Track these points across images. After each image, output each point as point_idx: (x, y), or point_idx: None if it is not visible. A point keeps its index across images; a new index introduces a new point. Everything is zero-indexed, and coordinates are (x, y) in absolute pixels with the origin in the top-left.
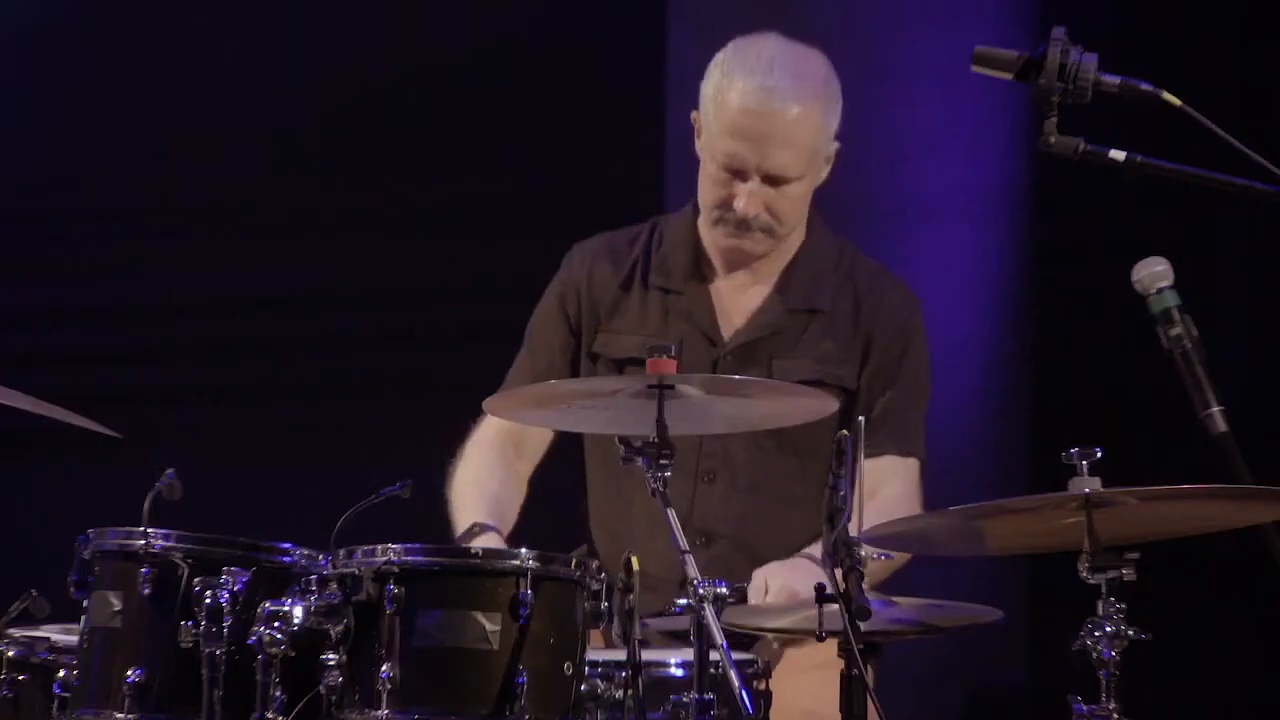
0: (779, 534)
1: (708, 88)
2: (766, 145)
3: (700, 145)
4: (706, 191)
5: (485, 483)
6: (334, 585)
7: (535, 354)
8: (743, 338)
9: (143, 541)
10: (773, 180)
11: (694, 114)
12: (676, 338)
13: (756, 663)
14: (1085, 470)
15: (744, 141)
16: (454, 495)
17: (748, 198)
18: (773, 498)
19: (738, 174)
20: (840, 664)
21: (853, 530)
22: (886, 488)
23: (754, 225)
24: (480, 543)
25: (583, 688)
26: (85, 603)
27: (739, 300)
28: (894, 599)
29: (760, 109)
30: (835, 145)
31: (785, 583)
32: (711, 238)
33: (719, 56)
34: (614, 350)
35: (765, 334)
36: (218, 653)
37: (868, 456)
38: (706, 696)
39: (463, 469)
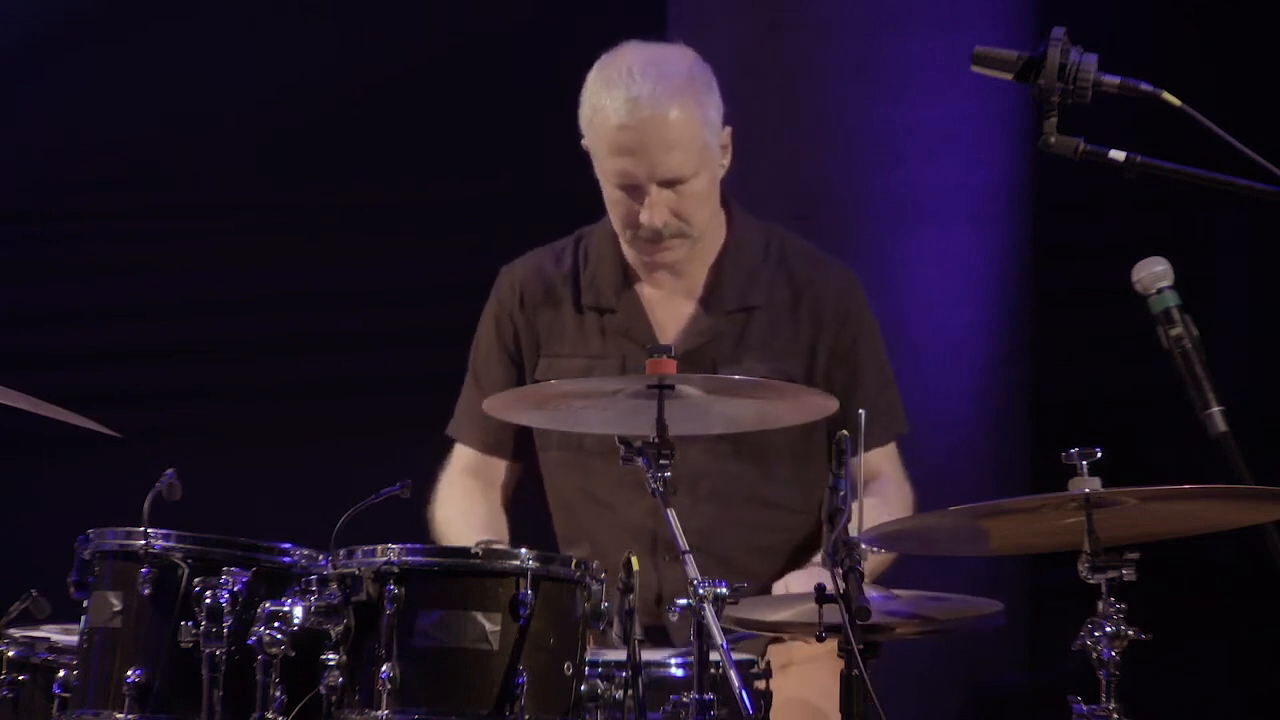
0: (751, 537)
1: (584, 112)
2: (651, 154)
3: (597, 171)
4: (613, 214)
5: (472, 511)
6: (334, 585)
7: (483, 386)
8: (682, 347)
9: (143, 541)
10: (669, 184)
11: (583, 143)
12: (618, 354)
13: (756, 663)
14: (1085, 470)
15: (629, 156)
16: (442, 533)
17: (651, 210)
18: (739, 502)
19: (634, 189)
20: (826, 656)
21: (852, 530)
22: (875, 479)
23: (665, 234)
24: None
25: (583, 688)
26: (85, 603)
27: (672, 309)
28: (895, 592)
29: (631, 121)
30: (726, 130)
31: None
32: (631, 254)
33: (588, 79)
34: (557, 374)
35: (705, 340)
36: (218, 653)
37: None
38: (706, 696)
39: (442, 508)
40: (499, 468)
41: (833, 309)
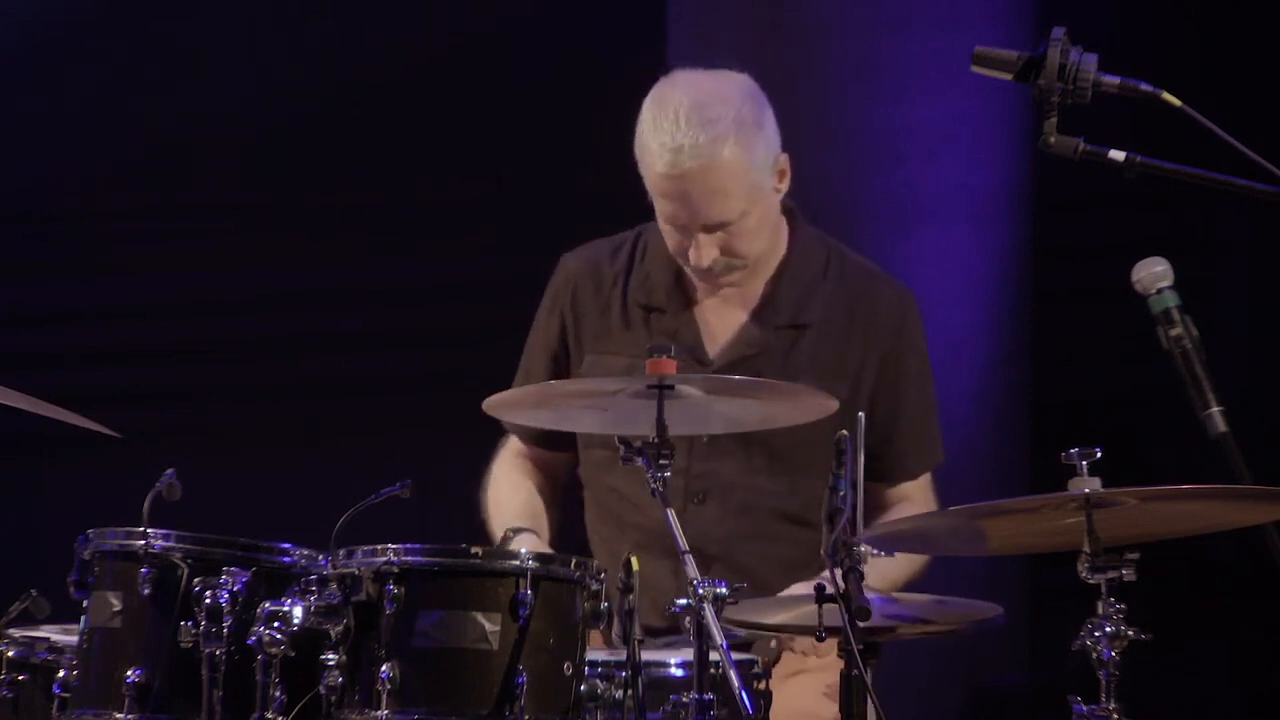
0: (775, 550)
1: (636, 144)
2: (695, 203)
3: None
4: (667, 240)
5: (514, 497)
6: (334, 585)
7: (529, 378)
8: (728, 356)
9: (143, 541)
10: (716, 227)
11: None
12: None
13: (756, 663)
14: (1085, 470)
15: (673, 202)
16: (489, 516)
17: (698, 251)
18: (766, 515)
19: (682, 229)
20: (834, 667)
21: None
22: (903, 502)
23: (715, 269)
24: (519, 544)
25: (583, 688)
26: (85, 603)
27: (723, 317)
28: (895, 595)
29: (674, 172)
30: (782, 157)
31: None
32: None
33: (644, 104)
34: (601, 372)
35: (752, 352)
36: (218, 653)
37: (893, 484)
38: (706, 696)
39: (491, 491)
40: (546, 454)
41: (884, 333)
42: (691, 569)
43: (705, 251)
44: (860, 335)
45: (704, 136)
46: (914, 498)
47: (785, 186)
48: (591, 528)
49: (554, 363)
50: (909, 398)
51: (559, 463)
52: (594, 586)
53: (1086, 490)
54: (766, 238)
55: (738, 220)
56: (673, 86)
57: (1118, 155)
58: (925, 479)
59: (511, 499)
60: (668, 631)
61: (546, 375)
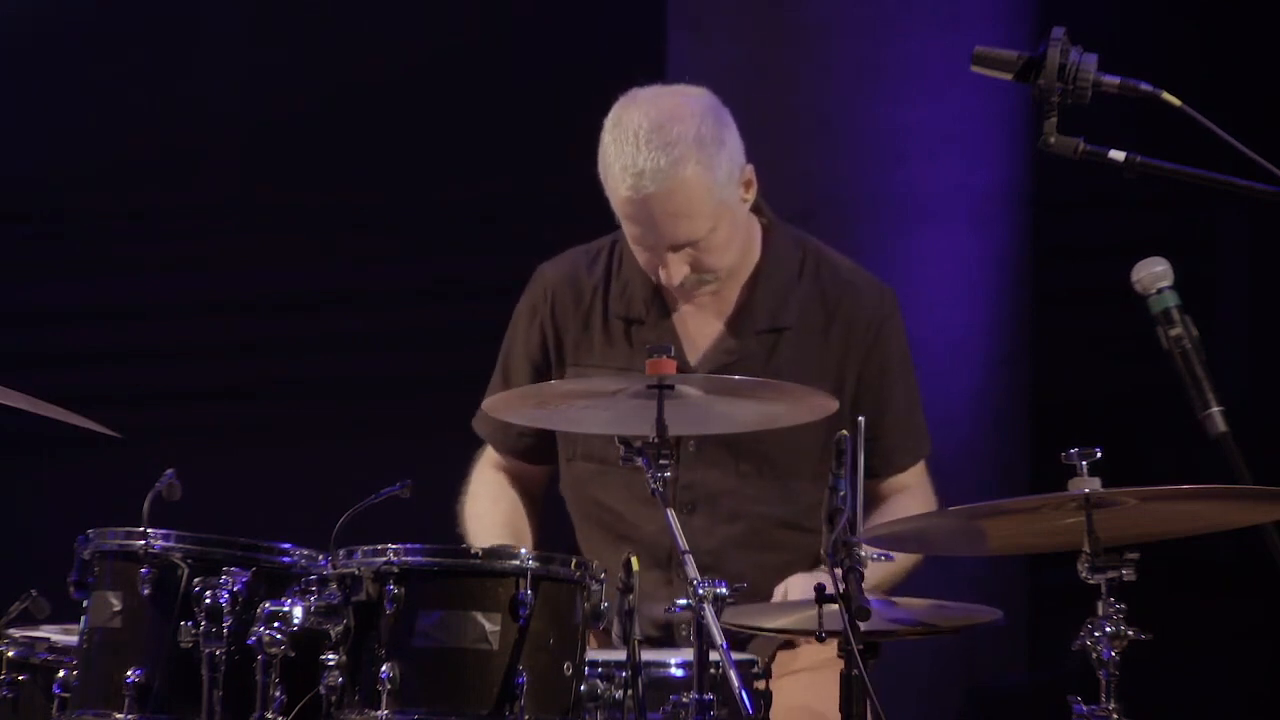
0: (767, 557)
1: (600, 165)
2: (659, 225)
3: None
4: (636, 256)
5: (494, 511)
6: (334, 585)
7: (511, 381)
8: (709, 364)
9: (143, 542)
10: (683, 246)
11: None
12: (644, 366)
13: (756, 663)
14: (1085, 470)
15: (638, 224)
16: (467, 530)
17: (667, 271)
18: (756, 522)
19: (650, 249)
20: (832, 664)
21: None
22: (901, 492)
23: (687, 285)
24: None
25: (583, 688)
26: (85, 603)
27: (702, 325)
28: (894, 599)
29: (636, 196)
30: (746, 169)
31: (806, 589)
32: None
33: (606, 123)
34: None
35: (732, 359)
36: (218, 653)
37: (884, 478)
38: (706, 696)
39: (470, 504)
40: (524, 467)
41: (863, 332)
42: (691, 569)
43: (675, 270)
44: (840, 335)
45: (664, 159)
46: (910, 486)
47: (752, 196)
48: (582, 541)
49: (535, 373)
50: (894, 395)
51: (536, 476)
52: (594, 586)
53: (1086, 490)
54: (737, 249)
55: (705, 237)
56: (631, 106)
57: (1118, 155)
58: (918, 466)
59: (491, 513)
60: (661, 643)
61: (534, 379)
